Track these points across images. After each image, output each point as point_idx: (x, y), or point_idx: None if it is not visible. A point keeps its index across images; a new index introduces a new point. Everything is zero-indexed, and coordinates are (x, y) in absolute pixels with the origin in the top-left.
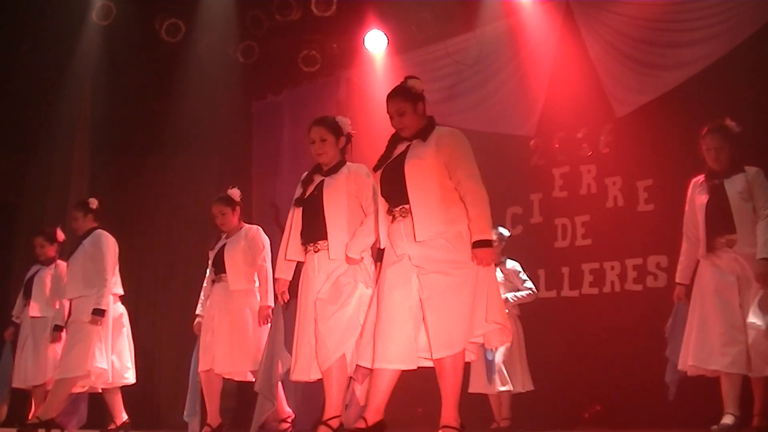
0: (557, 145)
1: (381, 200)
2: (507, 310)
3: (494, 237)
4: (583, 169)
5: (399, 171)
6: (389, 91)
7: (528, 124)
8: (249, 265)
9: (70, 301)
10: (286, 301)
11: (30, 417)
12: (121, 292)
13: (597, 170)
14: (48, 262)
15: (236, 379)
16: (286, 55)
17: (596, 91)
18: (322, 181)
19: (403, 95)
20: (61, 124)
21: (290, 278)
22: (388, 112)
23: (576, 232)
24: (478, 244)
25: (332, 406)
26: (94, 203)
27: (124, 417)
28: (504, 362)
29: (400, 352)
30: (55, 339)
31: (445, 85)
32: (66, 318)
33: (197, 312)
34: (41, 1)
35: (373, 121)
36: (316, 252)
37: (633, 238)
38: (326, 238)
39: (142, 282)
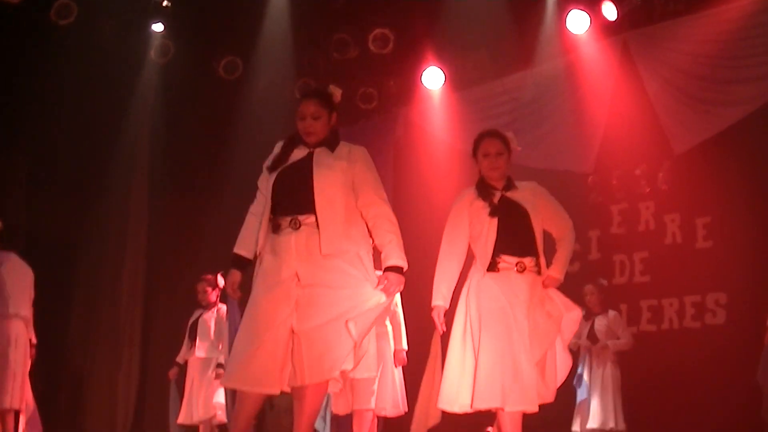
0: (615, 182)
1: (263, 207)
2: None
3: (591, 288)
4: (642, 206)
5: (303, 178)
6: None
7: (586, 161)
8: None
9: None
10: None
11: None
12: (18, 311)
13: (655, 207)
14: (210, 306)
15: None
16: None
17: (654, 128)
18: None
19: (324, 100)
20: (119, 164)
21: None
22: (300, 112)
23: (634, 268)
24: (393, 269)
25: None
26: None
27: None
28: (599, 401)
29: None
30: (218, 376)
31: (503, 122)
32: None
33: None
34: (100, 40)
35: (431, 157)
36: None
37: (691, 275)
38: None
39: None
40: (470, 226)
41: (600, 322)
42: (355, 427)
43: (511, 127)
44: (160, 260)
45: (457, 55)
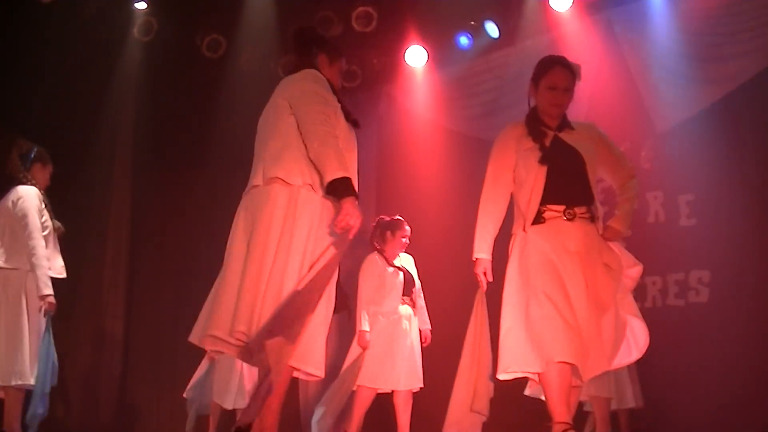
0: None
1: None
2: None
3: None
4: None
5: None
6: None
7: None
8: None
9: None
10: None
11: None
12: None
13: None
14: None
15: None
16: None
17: (637, 106)
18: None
19: None
20: (103, 140)
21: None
22: (342, 60)
23: None
24: None
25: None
26: None
27: None
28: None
29: None
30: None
31: (486, 99)
32: None
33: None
34: (83, 18)
35: (415, 135)
36: None
37: (674, 253)
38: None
39: (192, 296)
40: (516, 167)
41: None
42: (405, 407)
43: (495, 103)
44: (144, 236)
45: (440, 32)
